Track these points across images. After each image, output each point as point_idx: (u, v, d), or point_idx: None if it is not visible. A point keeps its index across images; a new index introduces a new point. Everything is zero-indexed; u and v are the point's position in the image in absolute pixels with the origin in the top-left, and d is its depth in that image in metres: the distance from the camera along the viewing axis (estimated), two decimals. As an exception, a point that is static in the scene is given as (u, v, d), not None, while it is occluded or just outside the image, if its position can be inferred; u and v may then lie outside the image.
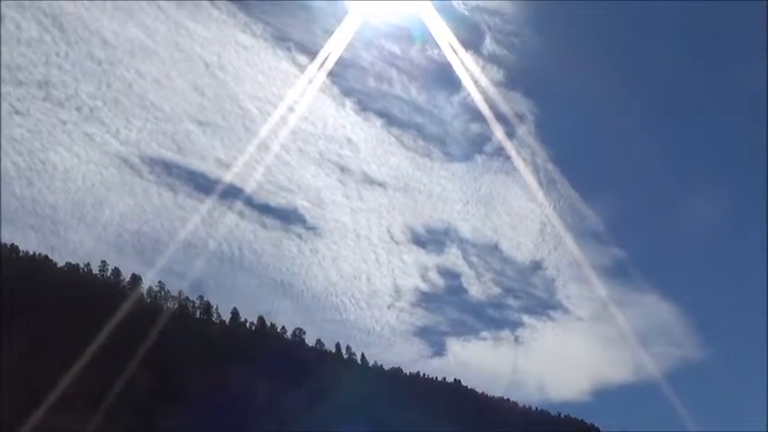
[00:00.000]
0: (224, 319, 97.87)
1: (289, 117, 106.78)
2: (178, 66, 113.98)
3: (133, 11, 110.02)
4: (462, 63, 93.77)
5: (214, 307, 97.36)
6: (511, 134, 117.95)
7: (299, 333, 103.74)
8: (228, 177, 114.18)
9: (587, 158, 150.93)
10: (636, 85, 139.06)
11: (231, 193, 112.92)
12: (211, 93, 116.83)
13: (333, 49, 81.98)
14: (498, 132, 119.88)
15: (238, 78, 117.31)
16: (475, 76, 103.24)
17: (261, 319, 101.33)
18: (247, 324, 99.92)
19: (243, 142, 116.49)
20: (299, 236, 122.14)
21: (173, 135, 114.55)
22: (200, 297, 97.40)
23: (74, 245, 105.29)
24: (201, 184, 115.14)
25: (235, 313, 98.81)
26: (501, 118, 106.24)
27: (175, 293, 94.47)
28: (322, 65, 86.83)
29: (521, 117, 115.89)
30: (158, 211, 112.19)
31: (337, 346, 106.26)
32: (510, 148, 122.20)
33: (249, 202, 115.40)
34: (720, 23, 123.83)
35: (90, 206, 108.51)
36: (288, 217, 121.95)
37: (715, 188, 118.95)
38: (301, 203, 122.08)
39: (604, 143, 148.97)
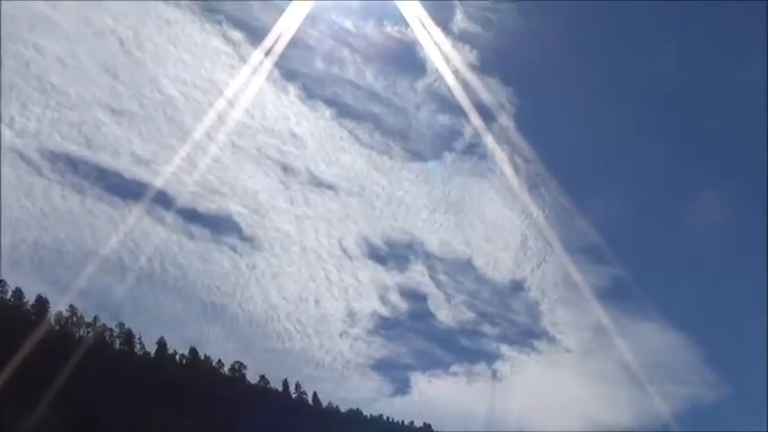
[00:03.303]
0: (149, 350, 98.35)
1: (220, 105, 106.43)
2: (86, 42, 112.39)
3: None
4: (428, 42, 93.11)
5: (136, 336, 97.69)
6: (487, 128, 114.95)
7: (238, 367, 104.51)
8: (147, 177, 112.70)
9: (578, 157, 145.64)
10: (636, 68, 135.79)
11: (151, 197, 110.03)
12: (126, 75, 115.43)
13: (273, 25, 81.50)
14: (471, 126, 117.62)
15: (159, 58, 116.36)
16: (443, 58, 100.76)
17: (193, 350, 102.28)
18: (177, 356, 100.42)
19: (164, 135, 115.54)
20: (234, 248, 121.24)
21: (79, 125, 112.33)
22: (120, 324, 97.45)
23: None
24: (115, 185, 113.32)
25: (161, 343, 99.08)
26: (475, 108, 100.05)
27: (90, 319, 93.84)
28: (263, 45, 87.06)
29: (498, 107, 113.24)
30: (62, 217, 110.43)
31: (284, 383, 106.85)
32: (485, 144, 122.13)
33: (173, 207, 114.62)
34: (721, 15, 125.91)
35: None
36: (220, 225, 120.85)
37: (732, 195, 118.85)
38: (236, 209, 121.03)
39: (599, 139, 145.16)
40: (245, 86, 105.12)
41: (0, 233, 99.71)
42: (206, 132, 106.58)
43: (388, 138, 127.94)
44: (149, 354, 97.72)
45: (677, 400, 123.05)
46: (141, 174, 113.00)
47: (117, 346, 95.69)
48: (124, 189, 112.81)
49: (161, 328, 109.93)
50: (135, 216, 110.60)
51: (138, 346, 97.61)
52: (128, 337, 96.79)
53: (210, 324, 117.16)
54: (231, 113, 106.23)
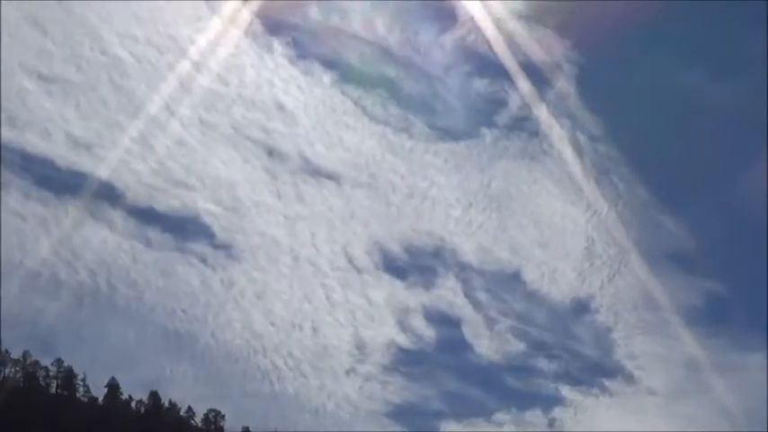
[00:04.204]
0: (95, 395, 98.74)
1: (184, 69, 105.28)
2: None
3: None
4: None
5: (79, 376, 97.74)
6: (539, 96, 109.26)
7: (214, 417, 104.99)
8: (89, 165, 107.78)
9: (661, 134, 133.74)
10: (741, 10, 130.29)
11: (93, 191, 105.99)
12: (59, 31, 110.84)
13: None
14: (518, 93, 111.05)
15: (102, 8, 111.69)
16: (480, 3, 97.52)
17: (154, 394, 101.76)
18: (133, 403, 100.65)
19: (110, 109, 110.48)
20: (204, 259, 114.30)
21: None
22: (58, 361, 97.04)
23: None
24: (46, 177, 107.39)
25: (112, 386, 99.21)
26: (523, 70, 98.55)
27: (17, 355, 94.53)
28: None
29: (554, 68, 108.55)
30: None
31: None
32: (537, 117, 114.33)
33: (123, 204, 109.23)
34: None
35: None
36: (185, 229, 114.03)
37: None
38: (206, 207, 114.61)
39: (689, 109, 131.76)
40: (217, 44, 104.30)
41: None
42: (165, 105, 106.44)
43: (406, 110, 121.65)
44: (96, 399, 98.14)
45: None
46: (80, 161, 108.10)
47: (54, 390, 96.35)
48: (58, 181, 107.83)
49: (111, 365, 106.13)
50: (73, 217, 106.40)
51: (81, 389, 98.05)
52: (68, 377, 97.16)
53: (175, 360, 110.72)
54: (198, 80, 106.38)
